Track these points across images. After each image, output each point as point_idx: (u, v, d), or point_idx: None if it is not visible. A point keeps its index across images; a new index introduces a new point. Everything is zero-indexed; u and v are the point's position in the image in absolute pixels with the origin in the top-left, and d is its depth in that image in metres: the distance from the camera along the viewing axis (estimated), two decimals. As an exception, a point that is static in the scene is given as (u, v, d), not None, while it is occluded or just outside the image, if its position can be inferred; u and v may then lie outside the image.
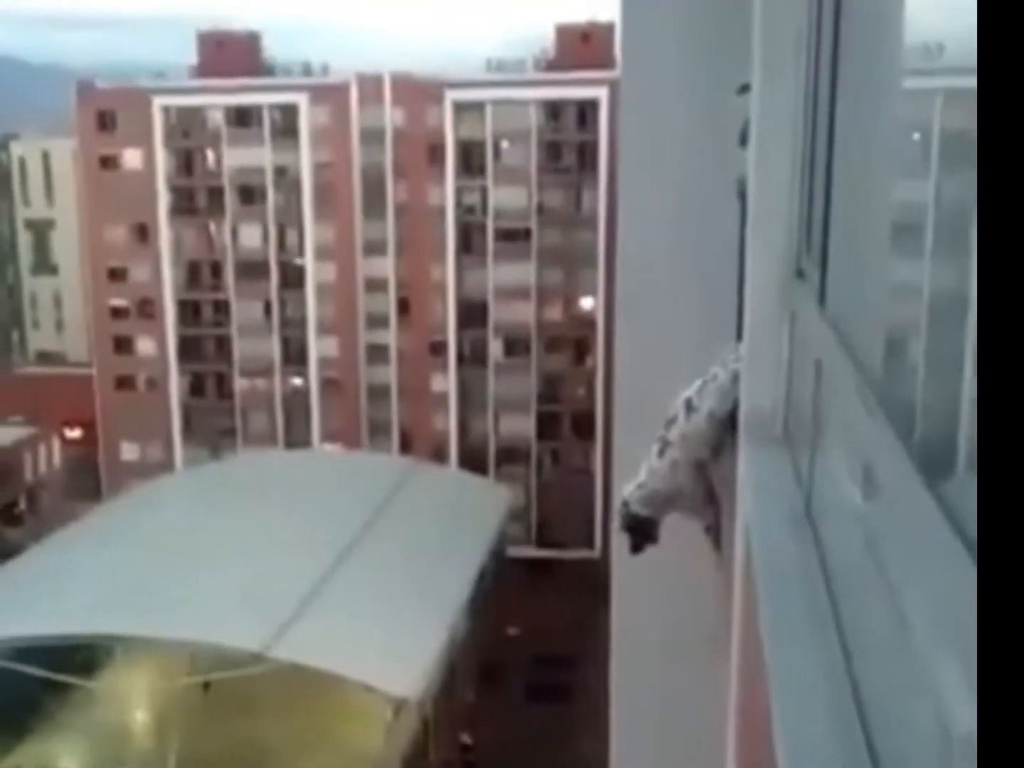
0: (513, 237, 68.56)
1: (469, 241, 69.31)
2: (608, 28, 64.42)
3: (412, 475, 56.19)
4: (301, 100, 69.43)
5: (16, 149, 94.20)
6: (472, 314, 69.27)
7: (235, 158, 70.27)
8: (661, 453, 4.04)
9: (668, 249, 5.68)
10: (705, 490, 4.11)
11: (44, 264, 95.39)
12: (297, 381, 72.35)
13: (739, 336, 3.80)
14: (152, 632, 36.65)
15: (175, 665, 39.11)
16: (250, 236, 71.30)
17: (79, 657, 39.51)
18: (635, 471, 4.17)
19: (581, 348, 69.29)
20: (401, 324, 71.30)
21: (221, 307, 72.20)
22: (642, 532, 4.24)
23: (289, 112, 69.82)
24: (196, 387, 73.34)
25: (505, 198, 68.47)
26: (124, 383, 73.31)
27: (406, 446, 71.20)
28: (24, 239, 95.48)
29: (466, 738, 45.42)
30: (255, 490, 48.78)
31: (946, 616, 1.33)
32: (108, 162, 71.58)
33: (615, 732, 6.50)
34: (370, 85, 69.64)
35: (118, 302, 72.88)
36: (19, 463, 67.74)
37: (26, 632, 36.51)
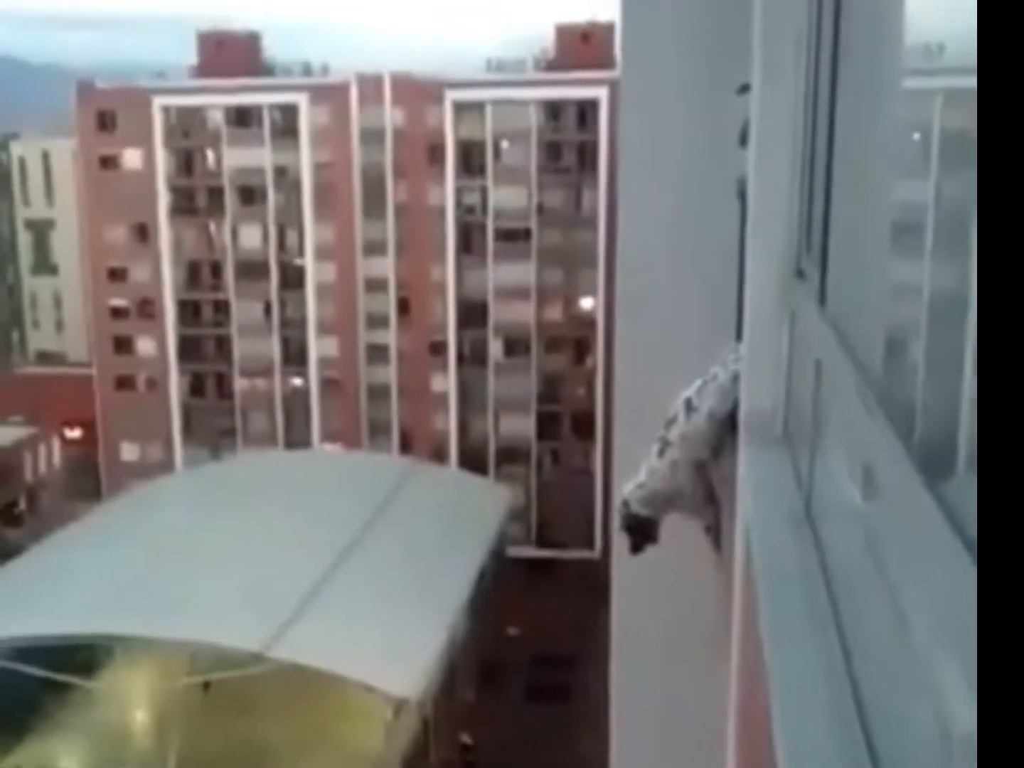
0: (513, 237, 68.56)
1: (469, 241, 69.31)
2: (608, 28, 64.43)
3: (412, 475, 56.19)
4: (301, 100, 69.43)
5: (16, 149, 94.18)
6: (472, 314, 69.28)
7: (235, 158, 70.26)
8: (661, 453, 4.04)
9: (668, 249, 5.68)
10: (705, 490, 4.11)
11: (44, 264, 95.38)
12: (297, 381, 72.35)
13: (739, 336, 3.80)
14: (152, 632, 36.66)
15: (175, 665, 39.12)
16: (250, 236, 71.30)
17: (79, 657, 39.52)
18: (635, 471, 4.17)
19: (581, 348, 69.29)
20: (401, 324, 71.30)
21: (221, 307, 72.20)
22: (642, 532, 4.24)
23: (289, 112, 69.82)
24: (196, 387, 73.35)
25: (505, 198, 68.47)
26: (124, 383, 73.31)
27: (406, 446, 71.20)
28: (24, 239, 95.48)
29: (466, 738, 45.42)
30: (255, 490, 48.78)
31: (946, 616, 1.33)
32: (108, 162, 71.57)
33: (615, 732, 6.50)
34: (370, 85, 69.65)
35: (118, 302, 72.88)
36: (19, 463, 67.73)
37: (26, 632, 36.52)
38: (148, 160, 70.75)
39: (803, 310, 3.07)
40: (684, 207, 5.60)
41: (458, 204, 69.07)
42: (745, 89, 3.72)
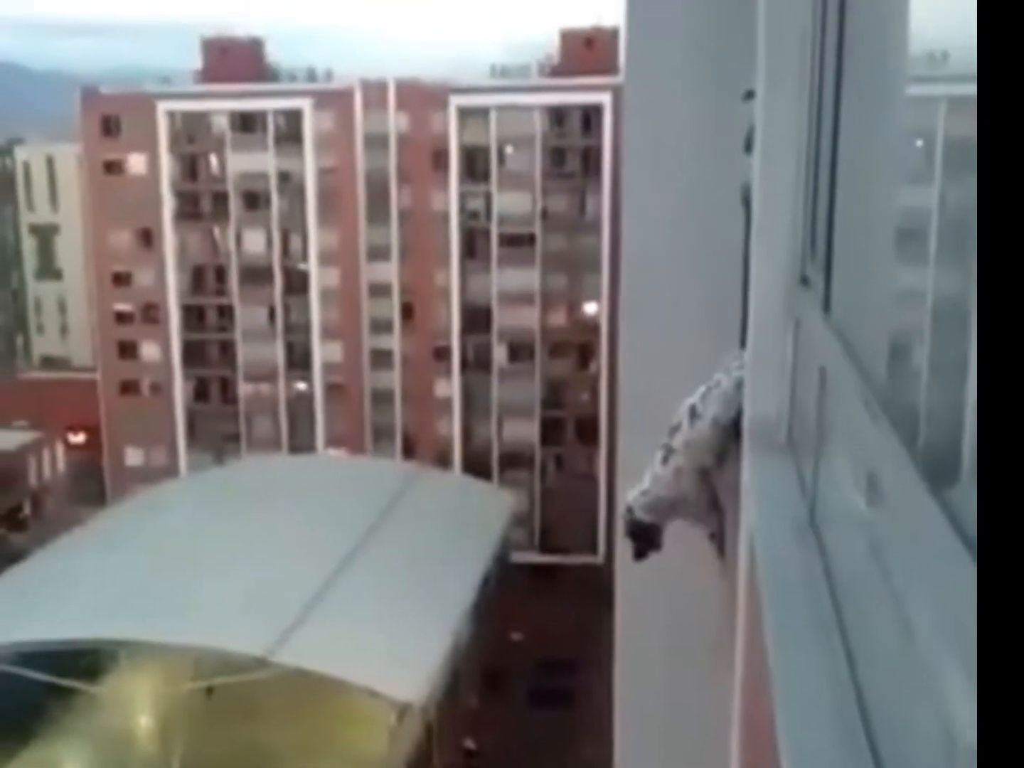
0: (517, 242, 68.56)
1: (473, 246, 69.32)
2: (612, 34, 64.47)
3: (416, 480, 56.19)
4: (305, 105, 69.48)
5: (21, 154, 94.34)
6: (476, 319, 69.28)
7: (239, 163, 70.31)
8: (665, 460, 4.04)
9: (672, 254, 5.68)
10: (709, 497, 4.10)
11: (48, 269, 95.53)
12: (301, 386, 72.37)
13: (743, 343, 3.80)
14: (156, 637, 36.68)
15: (179, 670, 39.14)
16: (254, 241, 71.35)
17: (83, 662, 39.54)
18: (639, 477, 4.17)
19: (585, 353, 69.26)
20: (405, 329, 71.31)
21: (225, 312, 72.25)
22: (646, 538, 4.24)
23: (293, 117, 69.88)
24: (200, 392, 73.39)
25: (509, 203, 68.47)
26: (128, 388, 73.33)
27: (410, 451, 71.17)
28: (29, 244, 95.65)
29: (470, 743, 45.38)
30: (259, 495, 48.78)
31: (951, 623, 1.33)
32: (112, 167, 71.62)
33: (619, 737, 6.50)
34: (374, 90, 69.70)
35: (122, 307, 72.91)
36: (24, 468, 67.80)
37: (30, 637, 36.55)
38: (152, 165, 70.83)
39: (807, 317, 3.07)
40: (688, 213, 5.60)
41: (462, 209, 69.08)
42: (750, 95, 3.72)
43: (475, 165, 68.71)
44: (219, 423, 72.52)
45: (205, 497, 51.42)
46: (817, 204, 2.99)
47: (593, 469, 68.01)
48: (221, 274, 72.05)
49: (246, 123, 70.50)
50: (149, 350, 73.05)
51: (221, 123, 70.71)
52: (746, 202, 3.87)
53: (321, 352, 71.50)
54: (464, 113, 67.93)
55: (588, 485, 67.35)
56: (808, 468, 2.87)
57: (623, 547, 4.43)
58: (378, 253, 70.43)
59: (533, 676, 51.81)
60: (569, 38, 71.48)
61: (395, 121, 69.63)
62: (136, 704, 41.79)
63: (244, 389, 72.43)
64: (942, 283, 1.86)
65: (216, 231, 71.79)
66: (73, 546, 46.70)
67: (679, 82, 5.51)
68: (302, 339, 71.64)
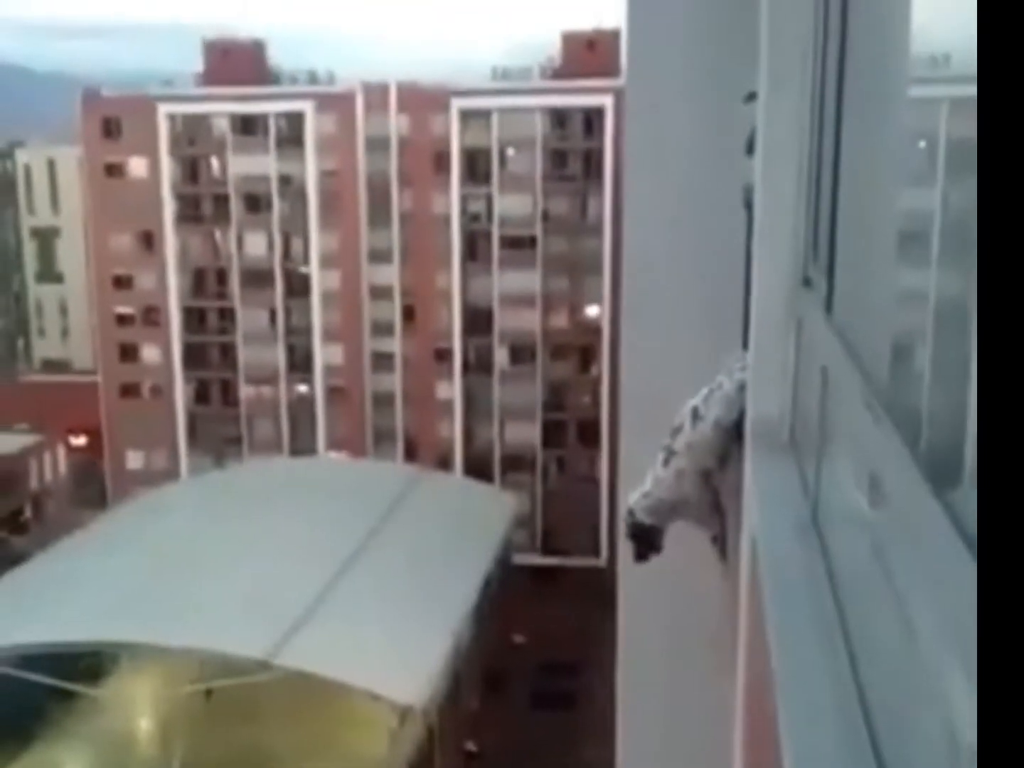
0: (518, 245, 68.59)
1: (474, 249, 69.35)
2: (614, 36, 64.41)
3: (417, 483, 56.21)
4: (307, 108, 69.53)
5: (21, 157, 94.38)
6: (477, 322, 69.30)
7: (240, 166, 70.36)
8: (666, 462, 4.04)
9: (674, 256, 5.68)
10: (711, 499, 4.10)
11: (49, 272, 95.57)
12: (302, 389, 72.39)
13: (745, 344, 3.80)
14: (157, 640, 36.66)
15: (180, 673, 39.15)
16: (255, 244, 71.38)
17: (84, 665, 39.57)
18: (641, 479, 4.16)
19: (587, 356, 69.28)
20: (406, 332, 71.34)
21: (226, 315, 72.29)
22: (647, 541, 4.23)
23: (294, 120, 69.92)
24: (201, 395, 73.42)
25: (510, 206, 68.51)
26: (129, 391, 73.38)
27: (411, 454, 71.19)
28: (29, 247, 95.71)
29: (471, 746, 45.35)
30: (260, 498, 48.80)
31: (953, 624, 1.33)
32: (113, 170, 71.69)
33: (621, 740, 6.49)
34: (376, 93, 69.75)
35: (123, 310, 72.97)
36: (24, 471, 67.78)
37: (32, 639, 36.55)
38: (153, 168, 70.88)
39: (809, 318, 3.07)
40: (690, 215, 5.60)
41: (463, 212, 69.13)
42: (752, 97, 3.72)
43: (476, 167, 68.75)
44: (220, 426, 72.54)
45: (206, 500, 51.44)
46: (819, 205, 2.99)
47: (595, 471, 68.03)
48: (222, 277, 72.09)
49: (247, 126, 70.53)
50: (150, 353, 73.09)
51: (222, 126, 70.76)
52: (748, 204, 3.87)
53: (322, 355, 71.53)
54: (465, 115, 67.97)
55: (590, 487, 67.36)
56: (810, 469, 2.88)
57: (625, 549, 4.43)
58: (379, 255, 70.47)
59: (535, 678, 51.79)
60: (570, 40, 71.51)
61: (396, 123, 69.68)
62: (137, 707, 41.78)
63: (245, 392, 72.45)
64: (944, 284, 1.87)
65: (217, 234, 71.84)
66: (74, 549, 46.71)
67: (680, 84, 5.51)
68: (303, 342, 71.67)
